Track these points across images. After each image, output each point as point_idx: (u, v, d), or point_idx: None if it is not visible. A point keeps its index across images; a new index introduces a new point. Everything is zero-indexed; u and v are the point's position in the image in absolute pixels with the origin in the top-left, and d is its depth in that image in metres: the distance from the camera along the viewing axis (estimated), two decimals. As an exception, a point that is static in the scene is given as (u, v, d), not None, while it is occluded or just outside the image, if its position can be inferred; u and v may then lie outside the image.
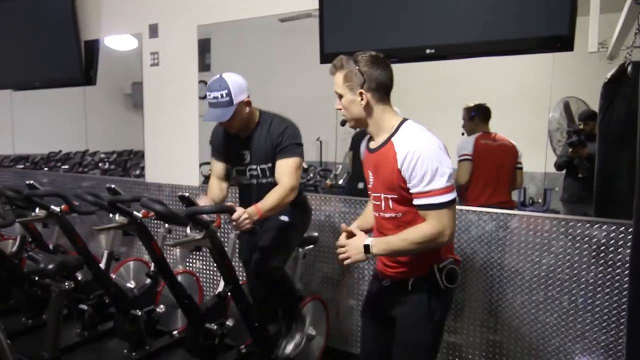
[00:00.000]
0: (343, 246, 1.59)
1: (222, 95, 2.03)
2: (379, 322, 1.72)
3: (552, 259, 2.21)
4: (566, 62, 2.38)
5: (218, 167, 2.33)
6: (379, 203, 1.59)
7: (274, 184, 2.12)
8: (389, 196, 1.55)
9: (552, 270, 2.21)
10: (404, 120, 1.57)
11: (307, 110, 3.38)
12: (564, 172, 2.58)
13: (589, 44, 2.07)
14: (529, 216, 2.27)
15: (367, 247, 1.52)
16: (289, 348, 2.34)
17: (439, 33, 2.31)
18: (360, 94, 1.52)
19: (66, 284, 1.78)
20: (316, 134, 3.36)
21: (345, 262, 1.57)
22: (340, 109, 1.60)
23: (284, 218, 2.23)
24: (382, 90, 1.55)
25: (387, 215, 1.58)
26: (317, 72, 3.18)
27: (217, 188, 2.30)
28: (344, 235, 1.61)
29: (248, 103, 2.13)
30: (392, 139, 1.52)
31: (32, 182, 2.75)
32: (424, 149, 1.45)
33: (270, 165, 2.17)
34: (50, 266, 1.71)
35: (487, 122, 2.66)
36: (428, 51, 2.33)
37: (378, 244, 1.53)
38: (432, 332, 1.62)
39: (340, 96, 1.57)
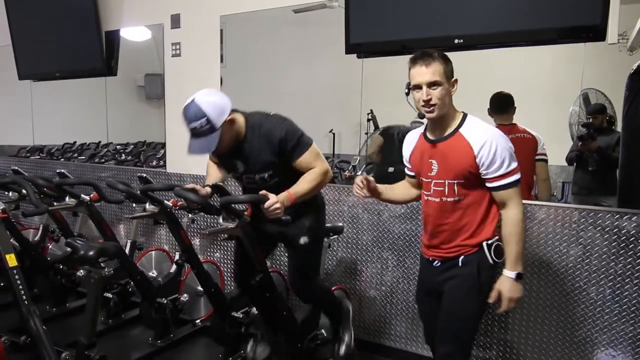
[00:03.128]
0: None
1: (201, 125, 1.83)
2: (433, 301, 1.84)
3: (580, 250, 2.21)
4: (586, 54, 2.37)
5: (213, 157, 2.24)
6: (442, 189, 1.73)
7: (280, 184, 2.00)
8: (455, 181, 1.70)
9: (580, 262, 2.22)
10: (466, 114, 1.73)
11: (320, 103, 3.39)
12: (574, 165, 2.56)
13: (608, 35, 2.06)
14: (557, 207, 2.27)
15: (519, 275, 1.68)
16: (342, 350, 2.41)
17: (467, 22, 2.30)
18: (454, 83, 1.69)
19: (105, 270, 1.81)
20: (329, 126, 3.36)
21: (517, 304, 1.71)
22: (430, 99, 1.64)
23: (304, 240, 2.13)
24: None
25: (449, 199, 1.73)
26: (330, 64, 3.19)
27: (215, 171, 2.20)
28: (496, 293, 1.70)
29: (232, 121, 1.92)
30: (460, 130, 1.69)
31: (62, 170, 2.78)
32: (498, 138, 1.65)
33: (271, 172, 2.02)
34: (91, 252, 1.73)
35: (502, 113, 2.57)
36: (456, 41, 2.32)
37: (516, 265, 1.68)
38: (480, 304, 1.75)
39: (437, 85, 1.64)
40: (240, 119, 2.00)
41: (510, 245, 1.67)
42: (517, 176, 1.67)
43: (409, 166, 1.93)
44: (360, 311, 2.83)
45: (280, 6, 2.89)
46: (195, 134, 1.87)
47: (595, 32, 2.07)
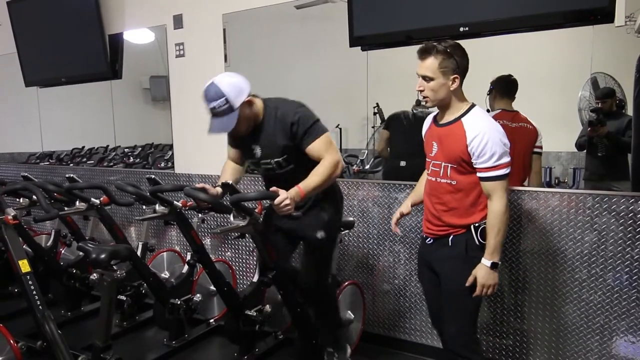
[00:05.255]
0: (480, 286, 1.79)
1: (220, 105, 1.90)
2: (431, 277, 1.96)
3: (595, 236, 2.18)
4: (594, 38, 2.33)
5: (232, 152, 2.27)
6: (438, 169, 1.84)
7: (295, 171, 2.03)
8: (449, 165, 1.80)
9: (596, 248, 2.19)
10: (473, 105, 1.82)
11: (326, 98, 3.38)
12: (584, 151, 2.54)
13: (615, 17, 2.02)
14: (570, 193, 2.24)
15: (494, 265, 1.76)
16: None
17: (472, 10, 2.26)
18: (454, 79, 1.74)
19: (118, 273, 1.81)
20: (335, 121, 3.35)
21: (491, 291, 1.79)
22: (422, 90, 1.78)
23: (321, 235, 2.13)
24: (465, 76, 1.79)
25: (443, 180, 1.84)
26: (334, 58, 3.17)
27: (230, 172, 2.22)
28: (472, 278, 1.78)
29: (250, 102, 1.98)
30: (462, 119, 1.78)
31: (72, 175, 2.79)
32: (492, 132, 1.72)
33: (285, 156, 2.05)
34: (103, 256, 1.74)
35: (509, 98, 2.54)
36: (462, 29, 2.28)
37: (493, 255, 1.75)
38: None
39: (430, 79, 1.75)
40: (258, 102, 2.06)
41: (489, 236, 1.75)
42: (504, 171, 1.73)
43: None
44: (373, 305, 2.82)
45: (281, 2, 2.87)
46: (214, 113, 1.94)
47: (603, 14, 2.03)
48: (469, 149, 1.73)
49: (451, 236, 1.83)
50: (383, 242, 2.75)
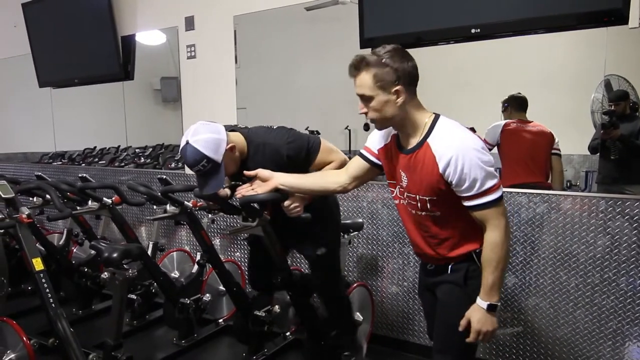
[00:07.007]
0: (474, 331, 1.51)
1: (204, 166, 1.76)
2: (431, 300, 1.74)
3: (608, 240, 2.16)
4: (607, 39, 2.31)
5: None
6: (414, 203, 1.55)
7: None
8: (427, 197, 1.50)
9: (609, 252, 2.16)
10: (437, 117, 1.50)
11: (335, 99, 3.37)
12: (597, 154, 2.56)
13: (629, 19, 2.00)
14: (583, 197, 2.22)
15: (493, 307, 1.48)
16: None
17: (483, 11, 2.25)
18: (397, 92, 1.44)
19: (129, 271, 1.83)
20: (344, 123, 3.34)
21: (488, 338, 1.51)
22: (365, 112, 1.50)
23: (321, 251, 2.11)
24: (414, 84, 1.49)
25: (423, 213, 1.55)
26: (344, 60, 3.14)
27: None
28: (464, 320, 1.51)
29: (232, 148, 1.85)
30: (428, 140, 1.47)
31: (85, 175, 2.83)
32: (467, 152, 1.41)
33: None
34: (115, 255, 1.76)
35: (523, 111, 2.66)
36: (473, 31, 2.27)
37: (491, 296, 1.47)
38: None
39: (369, 98, 1.46)
40: (239, 140, 1.92)
41: (486, 271, 1.46)
42: (494, 195, 1.43)
43: (376, 153, 1.67)
44: (382, 307, 2.81)
45: (292, 4, 2.87)
46: (201, 175, 1.81)
47: (617, 15, 2.01)
48: (444, 176, 1.43)
49: (451, 264, 1.58)
50: (392, 244, 2.74)
